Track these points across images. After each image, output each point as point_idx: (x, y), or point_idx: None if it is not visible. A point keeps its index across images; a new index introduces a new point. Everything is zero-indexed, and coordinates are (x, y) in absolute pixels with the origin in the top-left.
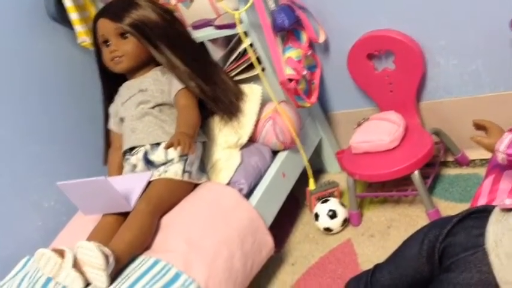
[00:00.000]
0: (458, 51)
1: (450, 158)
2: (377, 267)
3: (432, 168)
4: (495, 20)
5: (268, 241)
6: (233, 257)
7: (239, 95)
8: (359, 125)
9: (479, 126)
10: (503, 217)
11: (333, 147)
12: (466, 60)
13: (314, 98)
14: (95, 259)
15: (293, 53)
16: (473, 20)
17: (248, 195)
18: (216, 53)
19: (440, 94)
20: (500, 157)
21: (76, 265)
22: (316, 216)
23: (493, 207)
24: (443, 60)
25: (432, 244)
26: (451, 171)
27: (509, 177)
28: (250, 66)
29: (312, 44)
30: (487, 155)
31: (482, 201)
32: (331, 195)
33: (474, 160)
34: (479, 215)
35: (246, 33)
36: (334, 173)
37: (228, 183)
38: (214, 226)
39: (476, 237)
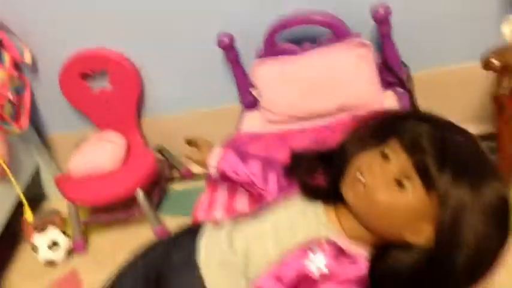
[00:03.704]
0: (173, 67)
1: (175, 174)
2: None
3: (158, 185)
4: (205, 38)
5: None
6: None
7: None
8: (77, 147)
9: (190, 143)
10: (214, 232)
11: (52, 173)
12: (182, 78)
13: (24, 122)
14: None
15: None
16: (186, 39)
17: None
18: None
19: (160, 111)
20: (212, 171)
21: None
22: (35, 248)
23: (206, 223)
24: (160, 78)
25: (147, 269)
26: (176, 187)
27: (224, 191)
28: None
29: (18, 65)
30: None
31: (200, 215)
32: (52, 224)
33: (198, 174)
34: (193, 232)
35: None
36: (56, 199)
37: None
38: None
39: (190, 254)
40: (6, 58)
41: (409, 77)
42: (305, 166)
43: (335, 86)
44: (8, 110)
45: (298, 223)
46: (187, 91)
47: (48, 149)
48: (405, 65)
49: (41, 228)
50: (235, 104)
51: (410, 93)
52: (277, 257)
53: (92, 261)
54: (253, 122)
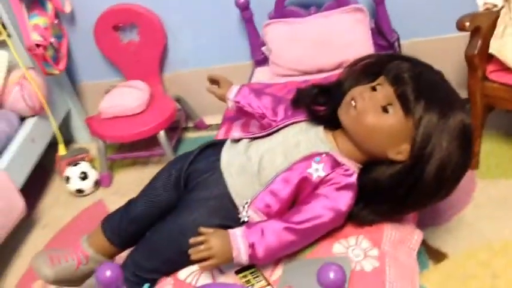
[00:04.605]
0: (194, 26)
1: (190, 124)
2: (131, 200)
3: (175, 131)
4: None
5: (19, 203)
6: None
7: None
8: (107, 92)
9: (213, 81)
10: (233, 145)
11: (81, 118)
12: (200, 35)
13: (62, 65)
14: None
15: (39, 20)
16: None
17: None
18: None
19: (180, 65)
20: (230, 104)
21: None
22: (68, 179)
23: (223, 140)
24: (181, 35)
25: (178, 173)
26: (191, 135)
27: (238, 126)
28: None
29: (58, 14)
30: (217, 120)
31: None
32: (82, 160)
33: (211, 125)
34: (216, 146)
35: None
36: (83, 143)
37: None
38: None
39: (213, 162)
40: (50, 7)
41: (398, 42)
42: (310, 96)
43: (334, 45)
44: (50, 52)
45: (302, 141)
46: (205, 48)
47: (79, 95)
48: (395, 32)
49: (73, 162)
50: (247, 62)
51: None
52: (285, 166)
53: (116, 194)
54: (262, 76)
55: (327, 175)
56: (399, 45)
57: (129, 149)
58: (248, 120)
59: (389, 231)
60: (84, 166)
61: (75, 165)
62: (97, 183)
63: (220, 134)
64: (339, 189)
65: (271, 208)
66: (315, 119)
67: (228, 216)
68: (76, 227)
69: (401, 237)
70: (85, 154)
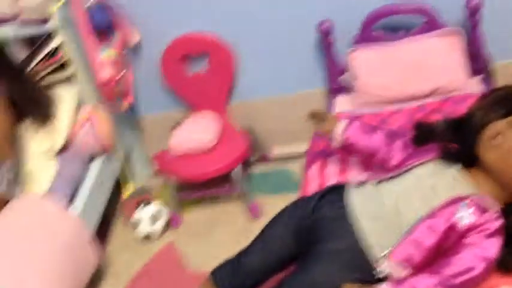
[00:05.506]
0: (265, 52)
1: (253, 156)
2: (242, 252)
3: (243, 166)
4: (301, 25)
5: (93, 252)
6: (64, 270)
7: (51, 98)
8: (174, 127)
9: (314, 116)
10: (360, 190)
11: (141, 152)
12: (273, 62)
13: (130, 98)
14: None
15: (109, 52)
16: (281, 25)
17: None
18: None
19: (248, 94)
20: (338, 139)
21: None
22: (138, 221)
23: (345, 183)
24: (251, 63)
25: (299, 222)
26: (257, 168)
27: (333, 163)
28: (58, 68)
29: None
30: (287, 151)
31: (313, 185)
32: (149, 200)
33: (275, 157)
34: (337, 191)
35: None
36: (142, 178)
37: (46, 194)
38: (40, 240)
39: (340, 208)
40: (117, 37)
41: (492, 65)
42: (439, 133)
43: (428, 71)
44: (119, 86)
45: (439, 183)
46: (276, 75)
47: (139, 129)
48: (489, 55)
49: (142, 203)
50: (316, 89)
51: (492, 80)
52: (425, 212)
53: (187, 234)
54: (344, 105)
55: (476, 221)
56: (493, 68)
57: (195, 186)
58: (345, 156)
59: None
60: (157, 206)
61: (145, 205)
62: (167, 225)
63: (311, 173)
64: (489, 236)
65: (413, 259)
66: (453, 157)
67: (364, 269)
68: (150, 273)
69: None
70: (149, 194)
